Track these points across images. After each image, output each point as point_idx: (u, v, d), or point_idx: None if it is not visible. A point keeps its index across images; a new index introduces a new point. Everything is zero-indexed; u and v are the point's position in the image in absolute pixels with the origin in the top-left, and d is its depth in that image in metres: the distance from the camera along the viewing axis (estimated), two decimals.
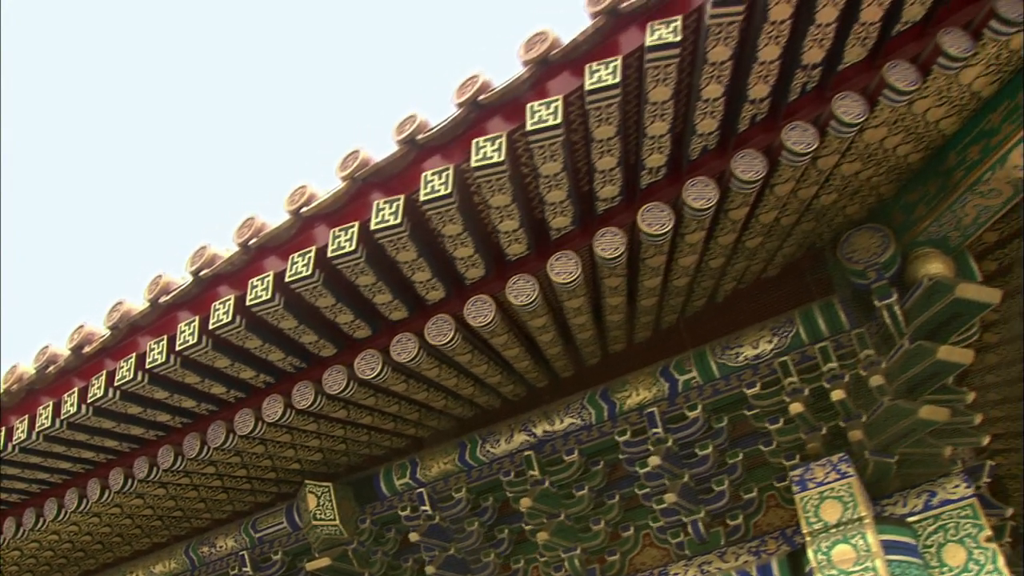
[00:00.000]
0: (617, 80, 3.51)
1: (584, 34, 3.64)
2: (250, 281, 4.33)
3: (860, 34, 3.67)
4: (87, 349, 4.83)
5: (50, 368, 4.93)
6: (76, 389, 4.89)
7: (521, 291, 4.28)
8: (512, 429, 5.52)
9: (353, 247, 4.03)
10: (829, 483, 4.54)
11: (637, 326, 5.05)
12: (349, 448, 5.62)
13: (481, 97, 3.82)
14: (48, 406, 4.97)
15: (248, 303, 4.30)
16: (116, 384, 4.71)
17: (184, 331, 4.52)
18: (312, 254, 4.16)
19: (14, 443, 5.03)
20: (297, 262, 4.17)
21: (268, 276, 4.29)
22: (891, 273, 4.66)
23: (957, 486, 4.65)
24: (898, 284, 4.68)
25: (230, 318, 4.35)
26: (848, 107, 3.76)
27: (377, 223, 3.95)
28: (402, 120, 4.03)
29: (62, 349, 4.96)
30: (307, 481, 5.77)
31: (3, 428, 5.16)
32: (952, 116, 4.20)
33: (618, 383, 5.30)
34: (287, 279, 4.18)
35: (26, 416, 5.01)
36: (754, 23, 3.53)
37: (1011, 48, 3.86)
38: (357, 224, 4.05)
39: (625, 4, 3.60)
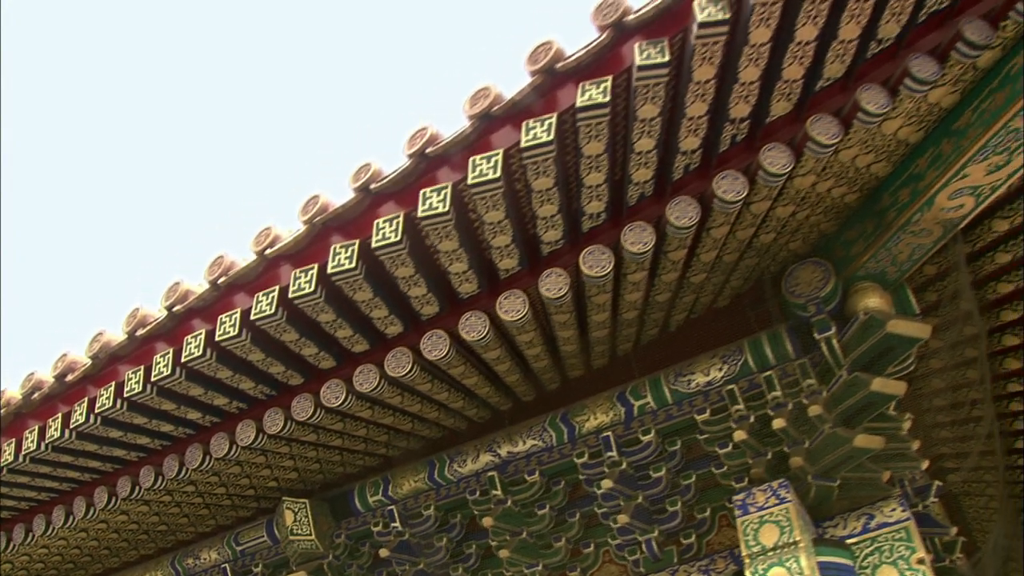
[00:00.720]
0: (551, 137, 3.74)
1: (522, 92, 3.88)
2: (219, 317, 4.59)
3: (784, 90, 3.89)
4: (70, 377, 5.10)
5: (35, 394, 5.21)
6: (60, 414, 5.16)
7: (473, 327, 4.52)
8: (478, 449, 5.76)
9: (312, 288, 4.28)
10: (769, 508, 4.77)
11: (592, 355, 5.29)
12: (323, 467, 5.88)
13: (428, 149, 4.07)
14: (34, 430, 5.25)
15: (217, 338, 4.56)
16: (97, 411, 4.98)
17: (159, 362, 4.78)
18: (276, 293, 4.42)
19: (1, 464, 5.31)
20: (262, 301, 4.43)
21: (236, 313, 4.54)
22: (832, 306, 4.89)
23: (894, 509, 4.88)
24: (839, 316, 4.91)
25: (201, 351, 4.62)
26: (775, 158, 3.98)
27: (334, 267, 4.20)
28: (358, 168, 4.28)
29: (47, 376, 5.23)
30: (285, 498, 6.04)
31: None
32: (882, 161, 4.43)
33: (577, 407, 5.53)
34: (252, 317, 4.44)
35: (13, 439, 5.29)
36: (681, 82, 3.76)
37: (930, 102, 4.08)
38: (316, 266, 4.30)
39: (560, 64, 3.83)
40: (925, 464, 5.08)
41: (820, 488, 4.94)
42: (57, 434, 5.13)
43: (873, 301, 4.80)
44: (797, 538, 4.61)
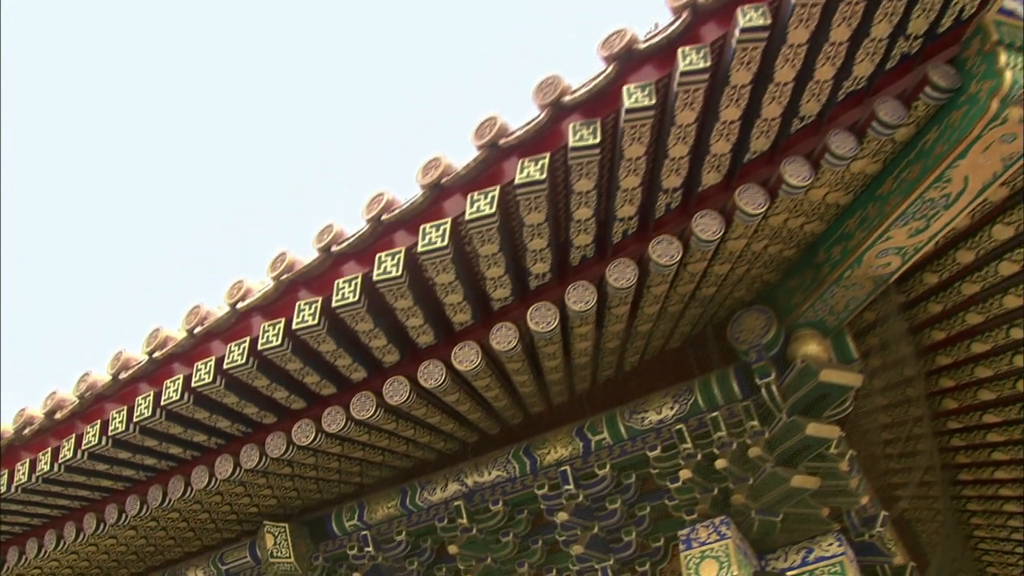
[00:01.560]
0: (493, 210, 4.04)
1: (467, 166, 4.18)
2: (196, 364, 4.92)
3: (713, 163, 4.18)
4: (59, 415, 5.44)
5: (26, 430, 5.55)
6: (50, 449, 5.50)
7: (431, 375, 4.83)
8: (447, 479, 6.08)
9: (280, 341, 4.60)
10: (710, 543, 5.07)
11: (551, 393, 5.59)
12: (301, 494, 6.20)
13: (384, 216, 4.37)
14: (25, 462, 5.59)
15: (194, 384, 4.88)
16: (84, 447, 5.32)
17: (141, 404, 5.11)
18: (247, 344, 4.73)
19: None
20: (234, 351, 4.75)
21: (211, 360, 4.87)
22: (774, 351, 5.17)
23: (831, 544, 5.17)
24: (781, 361, 5.20)
25: (179, 395, 4.95)
26: (706, 225, 4.27)
27: (298, 322, 4.51)
28: (321, 229, 4.58)
29: (38, 412, 5.56)
30: (266, 521, 6.37)
31: None
32: (814, 222, 4.71)
33: (539, 440, 5.84)
34: (226, 366, 4.76)
35: (5, 471, 5.63)
36: (615, 157, 4.05)
37: (853, 171, 4.36)
38: (283, 320, 4.62)
39: (503, 140, 4.13)
40: (864, 499, 5.36)
41: (763, 522, 5.23)
42: (47, 467, 5.47)
43: (812, 348, 5.08)
44: (735, 573, 4.90)
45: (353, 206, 4.64)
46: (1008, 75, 3.73)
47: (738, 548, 5.06)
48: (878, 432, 6.06)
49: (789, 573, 5.16)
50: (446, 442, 5.89)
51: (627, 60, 3.96)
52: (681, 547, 5.15)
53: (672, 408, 5.49)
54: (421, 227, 4.22)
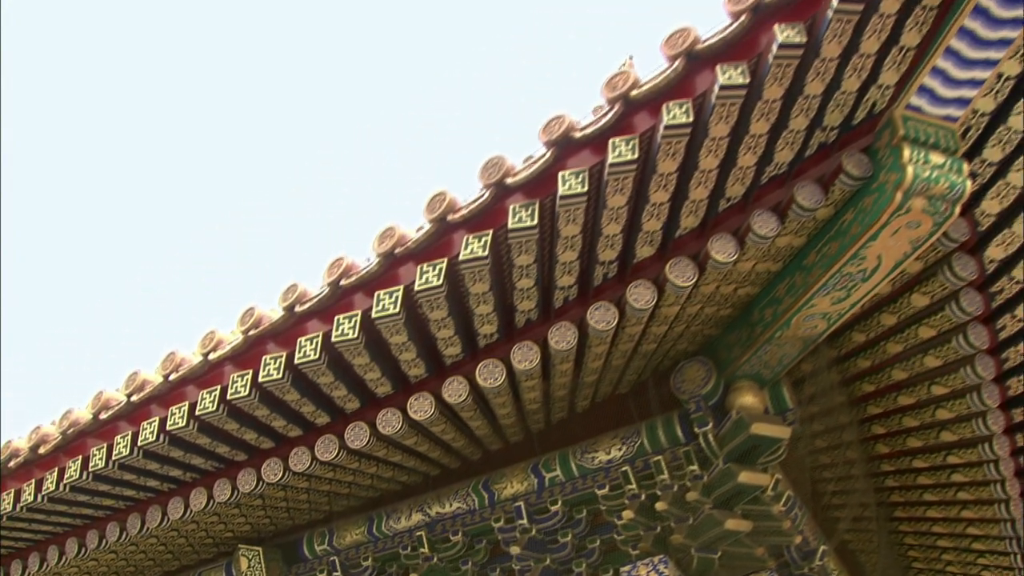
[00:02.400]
0: (440, 282, 4.38)
1: (418, 240, 4.52)
2: (171, 408, 5.27)
3: (646, 239, 4.52)
4: (42, 449, 5.79)
5: (12, 462, 5.90)
6: (34, 480, 5.86)
7: (388, 423, 5.18)
8: (411, 508, 6.43)
9: (247, 392, 4.95)
10: None
11: (506, 434, 5.93)
12: (273, 521, 6.55)
13: (343, 281, 4.71)
14: (11, 492, 5.95)
15: (168, 427, 5.23)
16: (65, 480, 5.67)
17: (120, 443, 5.46)
18: (217, 392, 5.08)
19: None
20: (206, 398, 5.09)
21: (184, 405, 5.22)
22: (714, 401, 5.52)
23: None
24: (720, 409, 5.54)
25: (155, 436, 5.30)
26: (640, 295, 4.61)
27: (264, 376, 4.86)
28: (286, 289, 4.93)
29: (23, 445, 5.92)
30: (240, 545, 6.72)
31: None
32: (747, 287, 5.05)
33: (497, 475, 6.18)
34: (198, 412, 5.10)
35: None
36: (553, 235, 4.39)
37: (779, 245, 4.70)
38: (251, 372, 4.97)
39: (451, 216, 4.47)
40: (798, 539, 5.72)
41: (702, 559, 5.60)
42: (31, 498, 5.83)
43: (748, 399, 5.43)
44: None
45: (317, 266, 4.95)
46: (910, 170, 4.06)
47: None
48: (819, 470, 6.41)
49: None
50: (409, 475, 6.24)
51: (565, 146, 4.30)
52: None
53: (620, 449, 5.83)
54: (376, 293, 4.56)
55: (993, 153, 4.46)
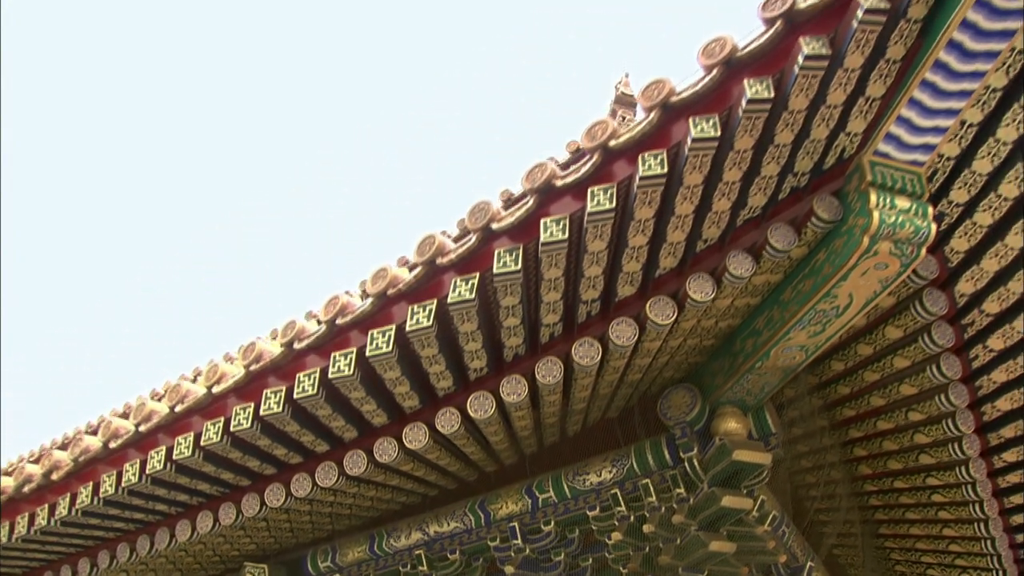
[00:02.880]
0: (430, 323, 4.60)
1: (409, 282, 4.73)
2: (177, 438, 5.50)
3: (626, 279, 4.71)
4: (55, 475, 6.03)
5: (26, 487, 6.15)
6: (47, 505, 6.11)
7: (385, 451, 5.40)
8: (411, 527, 6.65)
9: (249, 424, 5.17)
10: None
11: (501, 457, 6.14)
12: (278, 539, 6.79)
13: (339, 320, 4.93)
14: (25, 515, 6.21)
15: (175, 456, 5.46)
16: (77, 505, 5.92)
17: (129, 470, 5.71)
18: (221, 424, 5.31)
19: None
20: (210, 429, 5.33)
21: (190, 436, 5.45)
22: (699, 426, 5.71)
23: None
24: (705, 435, 5.74)
25: (162, 465, 5.54)
26: (621, 331, 4.81)
27: (265, 409, 5.09)
28: (285, 325, 5.15)
29: (36, 471, 6.16)
30: (247, 563, 6.96)
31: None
32: (727, 320, 5.24)
33: (493, 495, 6.39)
34: (202, 441, 5.34)
35: (7, 522, 6.25)
36: (538, 277, 4.60)
37: (755, 283, 4.89)
38: (252, 405, 5.20)
39: (440, 259, 4.68)
40: (783, 557, 5.91)
41: None
42: (44, 522, 6.08)
43: (732, 424, 5.62)
44: None
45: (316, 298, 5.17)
46: (877, 215, 4.24)
47: None
48: (806, 488, 6.60)
49: None
50: (408, 496, 6.46)
51: (547, 192, 4.51)
52: None
53: (610, 471, 6.03)
54: (370, 332, 4.78)
55: (960, 195, 4.64)
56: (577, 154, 9.89)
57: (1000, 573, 6.40)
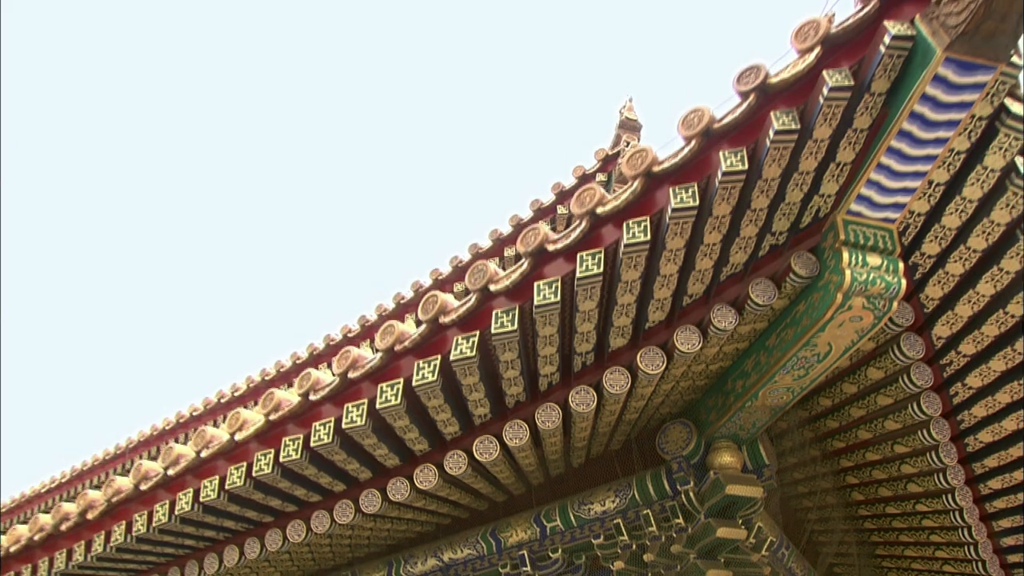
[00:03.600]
0: (435, 377, 4.93)
1: (413, 340, 5.06)
2: (203, 481, 5.87)
3: (617, 332, 5.02)
4: (89, 515, 6.42)
5: (63, 525, 6.54)
6: (83, 542, 6.50)
7: (398, 491, 5.74)
8: (427, 554, 6.99)
9: (270, 469, 5.53)
10: None
11: (512, 489, 6.46)
12: (300, 568, 7.15)
13: (351, 373, 5.27)
14: (63, 552, 6.60)
15: (201, 498, 5.83)
16: (111, 543, 6.31)
17: (159, 511, 6.08)
18: (244, 467, 5.67)
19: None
20: (233, 473, 5.69)
21: (215, 479, 5.81)
22: (695, 460, 6.01)
23: None
24: (701, 468, 6.03)
25: (190, 507, 5.91)
26: (615, 380, 5.11)
27: (284, 456, 5.44)
28: (301, 377, 5.49)
29: (73, 509, 6.56)
30: None
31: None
32: (717, 363, 5.53)
33: (503, 523, 6.72)
34: (227, 485, 5.70)
35: (46, 557, 6.65)
36: (533, 335, 4.91)
37: (741, 332, 5.17)
38: (272, 451, 5.55)
39: (443, 318, 5.00)
40: None
41: None
42: (81, 558, 6.47)
43: (726, 458, 5.91)
44: None
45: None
46: (848, 274, 4.51)
47: None
48: (804, 511, 6.88)
49: None
50: (422, 526, 6.81)
51: (540, 256, 4.81)
52: None
53: (614, 501, 6.33)
54: (379, 385, 5.12)
55: (931, 247, 4.90)
56: (560, 196, 10.23)
57: None
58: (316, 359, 12.00)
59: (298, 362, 12.18)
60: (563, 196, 10.65)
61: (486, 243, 10.76)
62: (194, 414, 13.11)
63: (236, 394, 12.64)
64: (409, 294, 11.26)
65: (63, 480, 14.62)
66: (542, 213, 10.67)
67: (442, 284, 10.92)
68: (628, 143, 10.55)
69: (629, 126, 10.77)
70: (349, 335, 11.69)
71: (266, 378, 12.39)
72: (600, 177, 10.47)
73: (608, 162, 10.55)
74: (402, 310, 11.25)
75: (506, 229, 10.81)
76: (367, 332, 11.62)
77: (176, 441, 13.71)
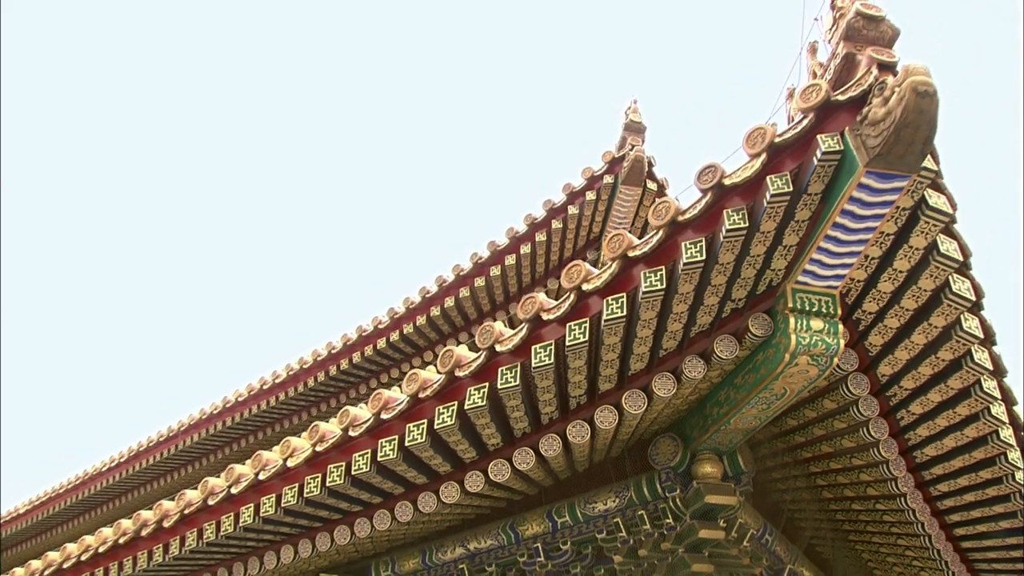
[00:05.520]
0: (454, 420, 5.90)
1: (435, 388, 6.02)
2: (306, 476, 6.93)
3: (604, 379, 5.94)
4: (165, 523, 7.54)
5: (143, 531, 7.67)
6: (161, 545, 7.64)
7: (449, 495, 6.76)
8: (455, 543, 8.06)
9: (341, 479, 6.52)
10: None
11: (527, 490, 7.48)
12: (345, 556, 8.27)
13: (383, 414, 6.25)
14: (178, 538, 7.75)
15: (283, 503, 6.89)
16: (186, 547, 7.44)
17: (244, 512, 7.17)
18: (319, 478, 6.67)
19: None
20: (310, 483, 6.69)
21: (295, 486, 6.84)
22: (681, 470, 6.96)
23: None
24: (687, 475, 6.98)
25: (274, 510, 6.99)
26: (604, 416, 6.04)
27: (355, 468, 6.42)
28: (341, 413, 6.49)
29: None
30: (321, 572, 8.47)
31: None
32: (695, 395, 6.43)
33: (520, 518, 7.76)
34: (305, 493, 6.69)
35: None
36: (531, 386, 5.84)
37: (711, 377, 6.07)
38: (344, 463, 6.57)
39: (459, 371, 5.94)
40: (758, 571, 7.19)
41: None
42: (160, 558, 7.61)
43: (707, 468, 6.85)
44: None
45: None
46: (793, 338, 5.37)
47: None
48: (784, 503, 7.84)
49: None
50: (450, 521, 7.86)
51: (536, 322, 5.73)
52: None
53: (614, 501, 7.33)
54: (407, 425, 6.11)
55: (871, 306, 5.73)
56: (571, 196, 11.06)
57: (942, 562, 7.56)
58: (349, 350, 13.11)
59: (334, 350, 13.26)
60: (573, 196, 11.47)
61: (485, 252, 11.78)
62: (302, 367, 14.02)
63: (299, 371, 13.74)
64: (417, 299, 12.33)
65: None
66: (554, 212, 11.51)
67: (447, 291, 11.94)
68: (632, 146, 11.30)
69: (634, 128, 11.49)
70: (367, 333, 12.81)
71: (304, 365, 13.49)
72: (607, 179, 11.26)
73: (614, 164, 11.32)
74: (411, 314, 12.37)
75: (521, 228, 11.67)
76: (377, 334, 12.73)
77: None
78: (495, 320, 12.41)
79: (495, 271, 11.84)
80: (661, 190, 11.56)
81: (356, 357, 13.02)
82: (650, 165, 11.37)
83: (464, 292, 12.08)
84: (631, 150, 11.13)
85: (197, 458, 15.94)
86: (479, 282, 11.88)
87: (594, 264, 11.92)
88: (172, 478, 16.45)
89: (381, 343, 12.84)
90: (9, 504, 19.25)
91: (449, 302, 12.23)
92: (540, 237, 11.52)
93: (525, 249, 11.57)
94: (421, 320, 12.49)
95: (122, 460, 16.14)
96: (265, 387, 13.97)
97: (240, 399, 14.23)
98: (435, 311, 12.39)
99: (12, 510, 18.10)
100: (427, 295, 12.33)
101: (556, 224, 11.46)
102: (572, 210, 11.35)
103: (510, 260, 11.75)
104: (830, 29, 5.58)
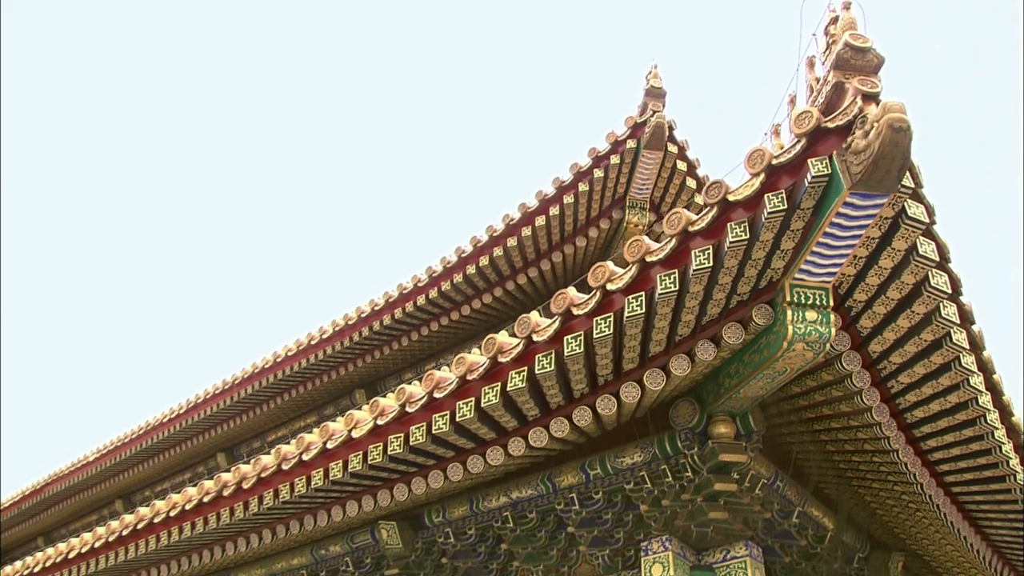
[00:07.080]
0: (472, 413, 6.82)
1: (450, 389, 6.94)
2: (349, 454, 7.95)
3: (628, 360, 6.80)
4: (244, 484, 8.60)
5: (224, 491, 8.75)
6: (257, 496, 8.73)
7: (495, 458, 7.73)
8: (499, 493, 9.06)
9: (401, 448, 7.54)
10: (658, 552, 7.97)
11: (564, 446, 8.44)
12: (400, 505, 9.33)
13: (408, 407, 7.19)
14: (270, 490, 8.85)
15: (369, 460, 7.92)
16: (280, 498, 8.51)
17: (315, 476, 8.22)
18: (381, 447, 7.68)
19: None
20: (373, 451, 7.71)
21: (359, 454, 7.86)
22: (699, 430, 7.85)
23: (741, 548, 8.00)
24: (704, 435, 7.88)
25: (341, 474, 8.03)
26: (628, 392, 6.93)
27: (413, 439, 7.44)
28: (396, 390, 7.44)
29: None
30: (379, 520, 9.54)
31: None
32: (711, 368, 7.29)
33: (557, 470, 8.71)
34: (369, 459, 7.72)
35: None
36: (566, 367, 6.73)
37: (721, 356, 6.91)
38: (403, 434, 7.57)
39: (471, 375, 6.84)
40: (767, 514, 8.14)
41: (699, 532, 8.07)
42: (257, 508, 8.71)
43: (722, 429, 7.73)
44: (672, 573, 7.83)
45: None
46: (791, 328, 6.19)
47: (677, 555, 7.95)
48: (790, 450, 8.75)
49: (716, 566, 8.04)
50: (492, 472, 8.87)
51: (567, 316, 6.59)
52: (642, 555, 8.08)
53: (640, 455, 8.25)
54: (432, 416, 7.08)
55: (860, 296, 6.52)
56: (596, 159, 11.77)
57: (941, 513, 8.48)
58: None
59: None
60: (598, 160, 12.17)
61: (516, 214, 12.67)
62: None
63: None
64: (453, 258, 13.31)
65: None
66: (580, 176, 12.24)
67: (481, 250, 12.86)
68: (654, 111, 11.93)
69: (655, 93, 12.10)
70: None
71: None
72: (630, 144, 11.94)
73: (637, 128, 11.99)
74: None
75: (550, 190, 12.43)
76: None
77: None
78: (528, 277, 13.30)
79: (526, 231, 12.64)
80: (682, 151, 12.23)
81: (398, 313, 13.98)
82: (671, 129, 12.02)
83: (498, 251, 12.92)
84: (652, 115, 11.77)
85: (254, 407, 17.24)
86: (511, 242, 12.70)
87: (619, 223, 12.71)
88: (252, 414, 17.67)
89: (421, 299, 13.76)
90: (7, 498, 20.73)
91: (484, 260, 13.09)
92: (568, 199, 12.28)
93: (554, 211, 12.34)
94: (458, 277, 13.38)
95: (182, 411, 17.41)
96: (338, 328, 15.01)
97: (290, 353, 15.35)
98: (470, 268, 13.26)
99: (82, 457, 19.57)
100: (463, 254, 13.19)
101: (583, 187, 12.20)
102: (597, 173, 12.07)
103: (540, 221, 12.54)
104: (824, 52, 6.25)
